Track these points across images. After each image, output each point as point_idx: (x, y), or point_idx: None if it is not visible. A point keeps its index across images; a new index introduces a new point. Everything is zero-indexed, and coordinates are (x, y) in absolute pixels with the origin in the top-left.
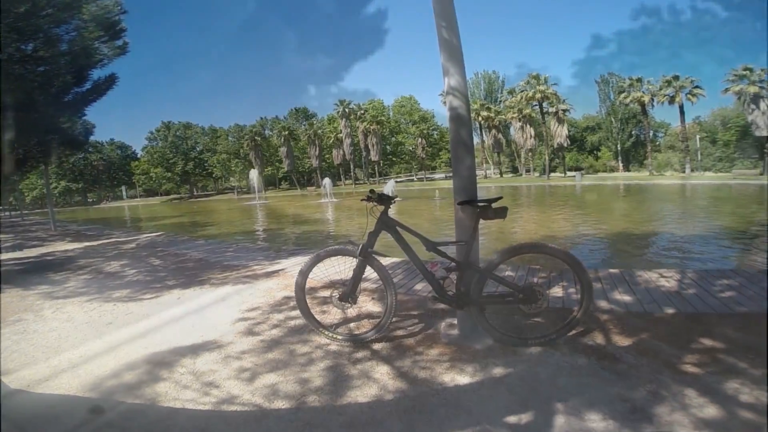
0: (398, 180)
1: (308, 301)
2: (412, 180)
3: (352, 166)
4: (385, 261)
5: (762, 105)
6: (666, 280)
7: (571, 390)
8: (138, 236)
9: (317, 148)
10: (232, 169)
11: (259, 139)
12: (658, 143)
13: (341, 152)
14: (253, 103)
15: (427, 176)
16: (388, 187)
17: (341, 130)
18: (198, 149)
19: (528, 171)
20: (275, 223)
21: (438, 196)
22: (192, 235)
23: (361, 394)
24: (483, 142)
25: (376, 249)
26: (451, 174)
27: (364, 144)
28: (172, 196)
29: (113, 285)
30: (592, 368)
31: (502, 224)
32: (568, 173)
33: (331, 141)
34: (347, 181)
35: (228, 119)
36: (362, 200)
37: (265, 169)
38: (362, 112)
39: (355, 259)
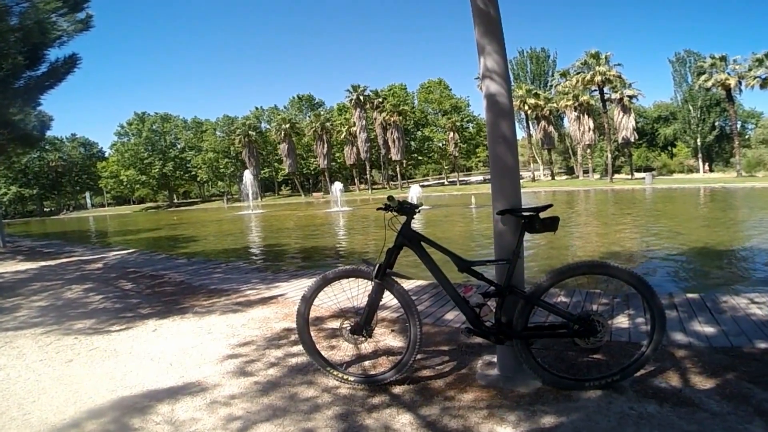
0: (425, 184)
1: (313, 333)
2: (443, 184)
3: (368, 168)
4: (408, 284)
5: None
6: (758, 306)
7: None
8: (105, 254)
9: (325, 145)
10: (221, 170)
11: (254, 134)
12: (747, 137)
13: (355, 150)
14: (246, 90)
15: (460, 179)
16: (412, 194)
17: (354, 123)
18: (179, 146)
19: (586, 172)
20: (273, 237)
21: (474, 204)
22: (171, 252)
23: None
24: (530, 136)
25: (397, 270)
26: (489, 177)
27: (382, 140)
28: (147, 205)
29: (75, 314)
30: (666, 418)
31: (552, 239)
32: (636, 175)
33: (342, 136)
34: (362, 186)
35: (215, 109)
36: (379, 209)
37: (262, 171)
38: (380, 100)
39: (370, 282)
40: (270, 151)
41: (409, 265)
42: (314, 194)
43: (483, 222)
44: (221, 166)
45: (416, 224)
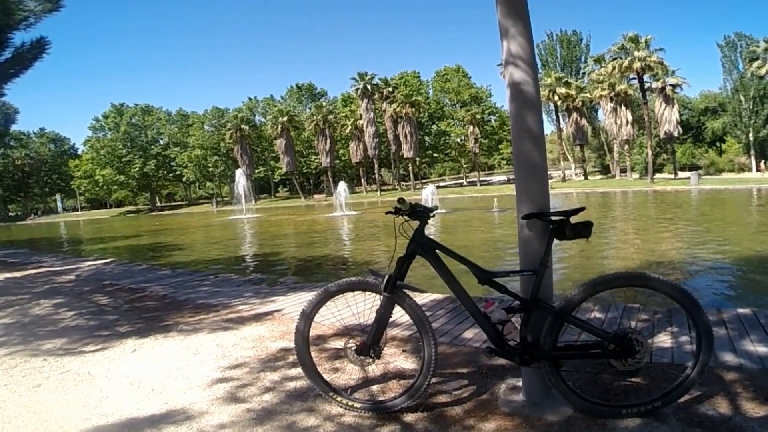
0: (441, 185)
1: (314, 354)
2: (461, 184)
3: (376, 166)
4: (421, 298)
5: None
6: None
7: None
8: (78, 265)
9: (328, 141)
10: (210, 170)
11: (247, 128)
12: None
13: (361, 146)
14: (238, 78)
15: (481, 179)
16: (426, 195)
17: (361, 116)
18: (162, 142)
19: (623, 171)
20: (268, 246)
21: (497, 207)
22: (153, 262)
23: None
24: (559, 130)
25: (408, 282)
26: (513, 176)
27: (393, 134)
28: (126, 209)
29: (44, 333)
30: None
31: (585, 246)
32: (680, 174)
33: (347, 130)
34: (370, 187)
35: (203, 100)
36: (388, 213)
37: (256, 171)
38: (390, 89)
39: (378, 296)
40: (265, 147)
41: (422, 277)
42: (315, 196)
43: (507, 228)
44: (210, 165)
45: (431, 230)
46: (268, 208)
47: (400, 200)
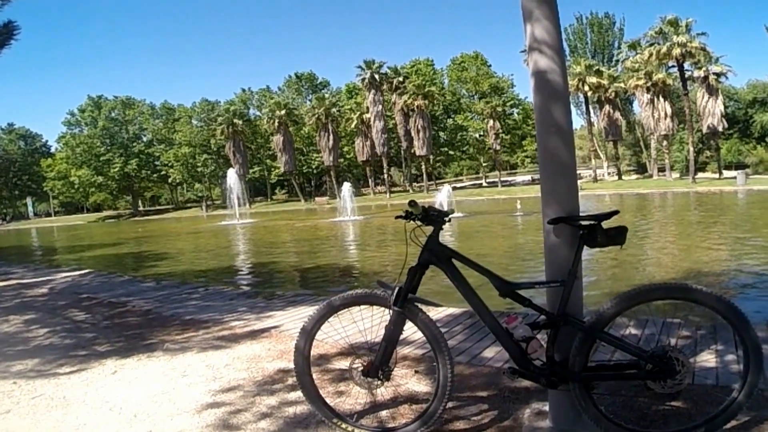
0: (458, 186)
1: (316, 376)
2: (480, 185)
3: (385, 165)
4: (436, 313)
5: None
6: None
7: None
8: (53, 276)
9: (331, 137)
10: (199, 169)
11: (241, 122)
12: None
13: (368, 143)
14: (229, 67)
15: (503, 180)
16: (442, 197)
17: (368, 108)
18: (145, 139)
19: (662, 170)
20: (265, 254)
21: (521, 211)
22: (136, 273)
23: None
24: (590, 125)
25: (421, 294)
26: (539, 176)
27: (404, 129)
28: (105, 214)
29: (13, 353)
30: None
31: (619, 254)
32: (725, 173)
33: (352, 125)
34: (378, 189)
35: (191, 92)
36: (398, 218)
37: (251, 170)
38: (401, 79)
39: (387, 311)
40: (261, 144)
41: (437, 289)
42: (317, 199)
43: (531, 234)
44: (199, 164)
45: (446, 236)
46: (264, 213)
47: (412, 203)
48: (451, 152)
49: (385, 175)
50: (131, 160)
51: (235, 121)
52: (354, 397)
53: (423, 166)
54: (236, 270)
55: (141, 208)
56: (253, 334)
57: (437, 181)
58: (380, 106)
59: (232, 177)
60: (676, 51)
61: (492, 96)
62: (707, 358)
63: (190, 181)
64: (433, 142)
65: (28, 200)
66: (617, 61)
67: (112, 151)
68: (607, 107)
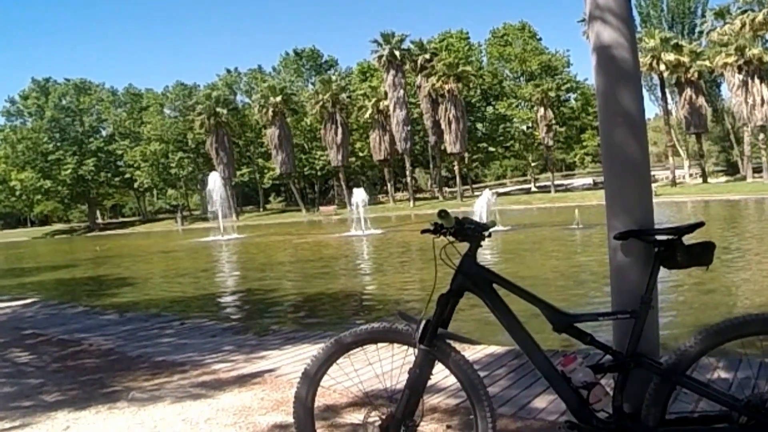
0: (500, 192)
1: (321, 431)
2: (528, 190)
3: (408, 165)
4: (472, 352)
5: None
6: None
7: None
8: None
9: (340, 130)
10: (173, 171)
11: (225, 112)
12: None
13: (387, 137)
14: (211, 43)
15: (557, 183)
16: (481, 206)
17: (386, 94)
18: (105, 133)
19: (758, 171)
20: (256, 279)
21: (579, 223)
22: (94, 303)
23: None
24: (667, 113)
25: (454, 329)
26: (602, 179)
27: (431, 120)
28: (54, 227)
29: None
30: None
31: (704, 278)
32: None
33: (366, 115)
34: (400, 195)
35: (163, 74)
36: (425, 232)
37: (239, 173)
38: (428, 57)
39: (412, 350)
40: (251, 139)
41: (474, 322)
42: (322, 209)
43: (593, 252)
44: (172, 165)
45: (485, 255)
46: (256, 226)
47: (442, 213)
48: (491, 149)
49: (408, 179)
50: (87, 160)
51: (219, 110)
52: None
53: (456, 167)
54: (220, 299)
55: (100, 221)
56: (242, 380)
57: (474, 186)
58: (402, 91)
59: (215, 181)
60: None
61: (543, 77)
62: None
63: (161, 187)
64: (468, 136)
65: None
66: (701, 33)
67: (63, 148)
68: (688, 91)
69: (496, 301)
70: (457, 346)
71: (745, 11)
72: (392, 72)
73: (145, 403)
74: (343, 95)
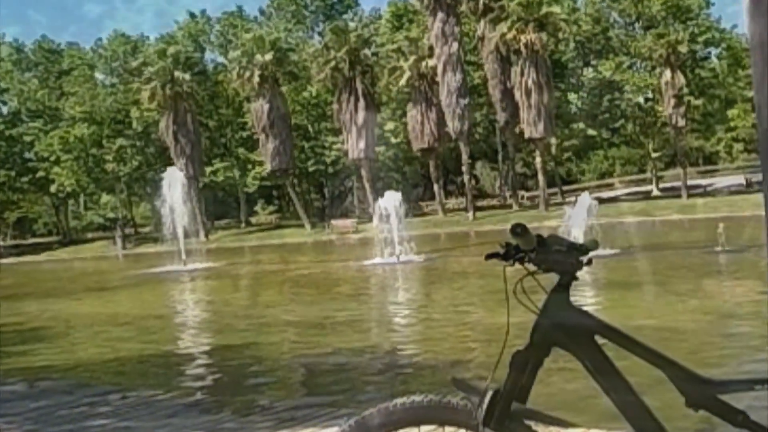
0: (608, 196)
1: None
2: (648, 193)
3: (464, 156)
4: None
5: None
6: None
7: None
8: None
9: (360, 104)
10: (109, 167)
11: (188, 77)
12: None
13: (432, 114)
14: None
15: (691, 183)
16: (577, 218)
17: (431, 48)
18: (5, 110)
19: None
20: (235, 330)
21: (725, 244)
22: None
23: None
24: None
25: (534, 403)
26: (760, 179)
27: (500, 88)
28: None
29: None
30: None
31: None
32: None
33: (402, 81)
34: (452, 201)
35: (93, 23)
36: (490, 258)
37: (209, 169)
38: None
39: None
40: (228, 119)
41: (564, 394)
42: (335, 222)
43: (747, 289)
44: (108, 157)
45: (581, 293)
46: (235, 249)
47: (518, 229)
48: (591, 132)
49: (466, 177)
50: None
51: (178, 74)
52: None
53: (537, 160)
54: (180, 360)
55: None
56: None
57: (565, 189)
58: (455, 45)
59: (174, 182)
60: None
61: (669, 24)
62: None
63: (91, 191)
64: (557, 114)
65: None
66: None
67: None
68: None
69: (599, 362)
70: (541, 429)
71: None
72: (441, 16)
73: None
74: (367, 51)
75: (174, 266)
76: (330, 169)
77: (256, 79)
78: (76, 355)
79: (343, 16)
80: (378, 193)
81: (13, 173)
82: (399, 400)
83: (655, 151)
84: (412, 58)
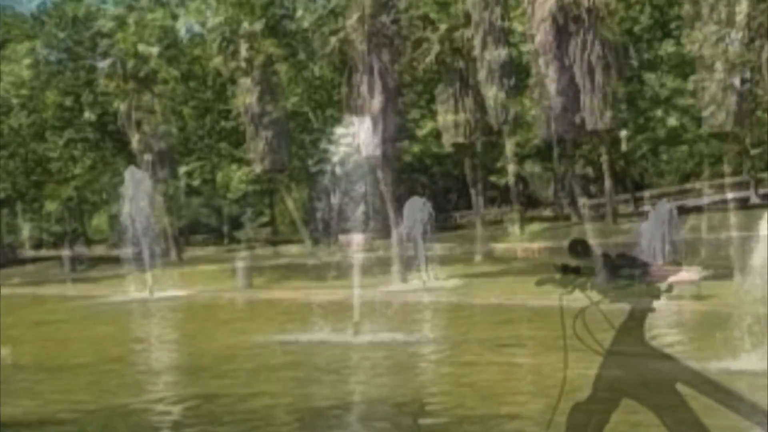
0: (693, 204)
1: None
2: (746, 201)
3: (508, 154)
4: None
5: None
6: None
7: None
8: None
9: (377, 86)
10: (53, 167)
11: (156, 52)
12: None
13: (469, 100)
14: None
15: None
16: (654, 231)
17: (467, 15)
18: None
19: None
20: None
21: None
22: None
23: None
24: None
25: None
26: None
27: (556, 67)
28: None
29: None
30: None
31: None
32: None
33: (429, 58)
34: (494, 210)
35: None
36: (542, 284)
37: (183, 170)
38: None
39: None
40: (207, 104)
41: None
42: (343, 238)
43: None
44: (53, 155)
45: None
46: (215, 273)
47: (578, 246)
48: (671, 122)
49: (511, 180)
50: None
51: (143, 48)
52: None
53: (603, 157)
54: (147, 418)
55: None
56: None
57: (637, 194)
58: (498, 11)
59: (136, 186)
60: None
61: None
62: None
63: (32, 197)
64: (627, 99)
65: None
66: None
67: None
68: None
69: (681, 418)
70: None
71: None
72: None
73: None
74: (385, 18)
75: (136, 294)
76: (337, 170)
77: (243, 54)
78: (10, 407)
79: None
80: (399, 201)
81: None
82: None
83: (753, 146)
84: (442, 28)
